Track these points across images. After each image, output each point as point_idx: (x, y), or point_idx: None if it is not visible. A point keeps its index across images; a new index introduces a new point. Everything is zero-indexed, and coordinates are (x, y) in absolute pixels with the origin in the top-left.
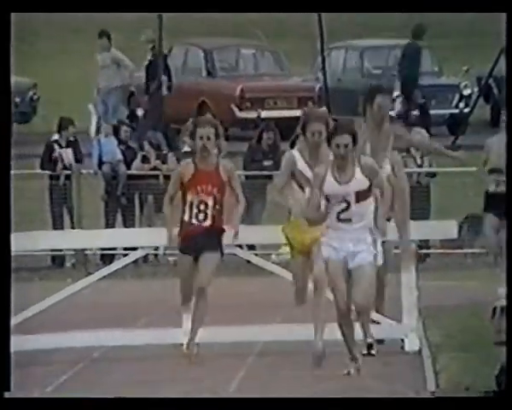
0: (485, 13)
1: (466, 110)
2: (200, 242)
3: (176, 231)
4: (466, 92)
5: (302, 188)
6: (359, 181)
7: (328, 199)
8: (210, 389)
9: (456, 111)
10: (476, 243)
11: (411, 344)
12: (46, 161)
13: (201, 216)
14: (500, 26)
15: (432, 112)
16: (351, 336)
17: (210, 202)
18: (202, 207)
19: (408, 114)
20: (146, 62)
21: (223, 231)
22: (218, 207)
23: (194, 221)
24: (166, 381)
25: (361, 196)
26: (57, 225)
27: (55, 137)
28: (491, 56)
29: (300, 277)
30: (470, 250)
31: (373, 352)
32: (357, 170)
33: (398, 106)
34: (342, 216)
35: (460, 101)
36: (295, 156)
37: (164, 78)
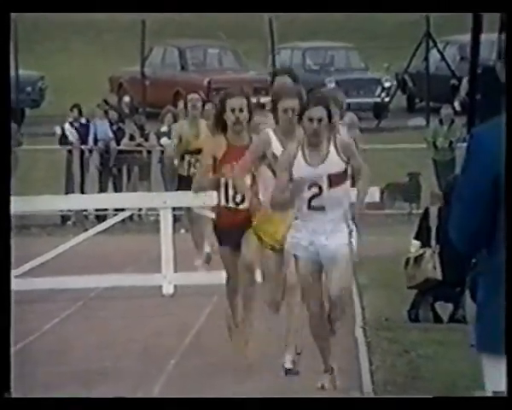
0: (404, 20)
1: (386, 99)
2: (239, 234)
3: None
4: (386, 85)
5: (275, 173)
6: (333, 163)
7: (297, 184)
8: (182, 322)
9: (379, 100)
10: (394, 206)
11: None
12: (63, 139)
13: (238, 198)
14: (416, 31)
15: (359, 100)
16: (326, 344)
17: (247, 181)
18: (238, 188)
19: None
20: None
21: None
22: (255, 186)
23: (230, 205)
24: (148, 315)
25: (335, 180)
26: (68, 190)
27: (70, 119)
28: (407, 56)
29: (273, 277)
30: (389, 211)
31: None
32: (332, 149)
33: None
34: (314, 203)
35: (382, 92)
36: (270, 136)
37: None
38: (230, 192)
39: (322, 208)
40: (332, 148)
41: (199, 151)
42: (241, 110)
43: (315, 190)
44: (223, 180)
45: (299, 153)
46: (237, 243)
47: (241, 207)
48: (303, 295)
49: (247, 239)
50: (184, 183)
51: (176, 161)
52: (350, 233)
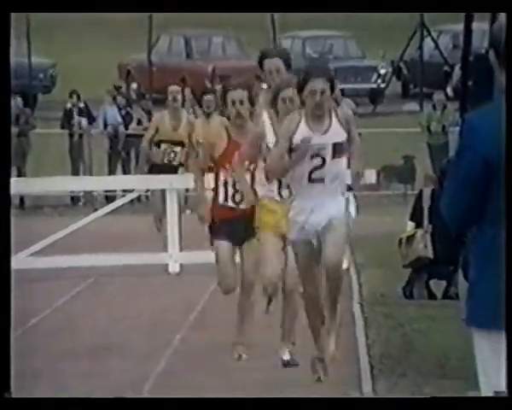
0: (400, 14)
1: (382, 85)
2: (238, 229)
3: (207, 211)
4: (382, 72)
5: None
6: (337, 132)
7: (300, 151)
8: (187, 299)
9: (375, 86)
10: (389, 187)
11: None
12: (65, 123)
13: (238, 197)
14: (411, 21)
15: (356, 86)
16: (319, 330)
17: (248, 179)
18: (239, 185)
19: None
20: None
21: None
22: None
23: (230, 204)
24: (155, 292)
25: (337, 150)
26: (74, 172)
27: (69, 105)
28: (402, 45)
29: (273, 260)
30: (385, 192)
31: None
32: (334, 119)
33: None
34: (314, 175)
35: (378, 78)
36: (265, 129)
37: None
38: (230, 190)
39: (321, 181)
40: (334, 118)
41: (176, 143)
42: (241, 103)
43: (317, 161)
44: (222, 178)
45: (303, 122)
46: (237, 237)
47: (241, 206)
48: (300, 278)
49: (249, 252)
50: (156, 170)
51: (149, 148)
52: (347, 200)
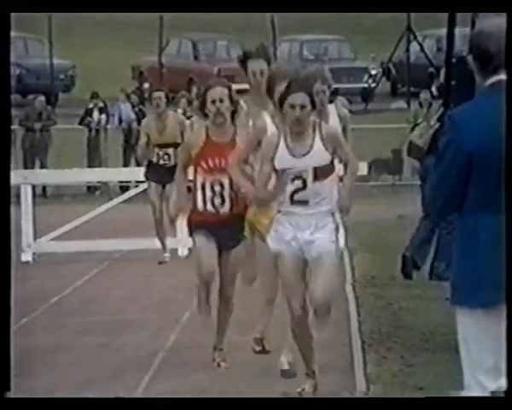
0: (389, 16)
1: (373, 85)
2: (218, 234)
3: (184, 205)
4: (373, 72)
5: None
6: (319, 154)
7: (280, 176)
8: (195, 281)
9: (366, 86)
10: (379, 178)
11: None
12: (86, 121)
13: (218, 200)
14: (398, 26)
15: (349, 86)
16: (308, 347)
17: (226, 182)
18: (217, 188)
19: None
20: None
21: (244, 216)
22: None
23: (209, 207)
24: (165, 274)
25: (320, 172)
26: (92, 164)
27: (91, 105)
28: (391, 47)
29: (270, 272)
30: (375, 183)
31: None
32: (317, 140)
33: None
34: (297, 197)
35: (369, 78)
36: (266, 122)
37: None
38: (208, 193)
39: (305, 203)
40: (318, 138)
41: (167, 145)
42: (221, 100)
43: (298, 183)
44: (200, 179)
45: (282, 142)
46: (219, 237)
47: (221, 211)
48: (284, 295)
49: (229, 261)
50: (153, 169)
51: (143, 154)
52: (336, 228)
